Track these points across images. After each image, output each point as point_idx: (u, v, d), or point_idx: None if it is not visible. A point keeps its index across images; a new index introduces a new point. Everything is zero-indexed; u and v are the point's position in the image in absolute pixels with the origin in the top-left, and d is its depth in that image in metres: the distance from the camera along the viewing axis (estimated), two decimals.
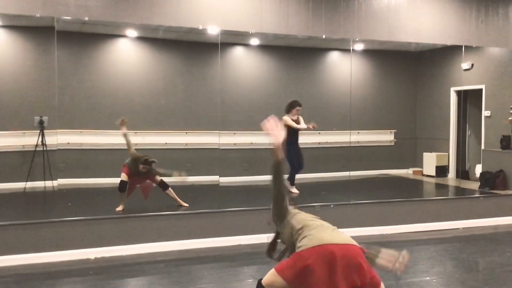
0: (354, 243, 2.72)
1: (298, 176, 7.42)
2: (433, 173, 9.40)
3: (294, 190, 7.27)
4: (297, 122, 7.32)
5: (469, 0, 7.26)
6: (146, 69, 8.46)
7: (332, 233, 2.76)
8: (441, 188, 9.09)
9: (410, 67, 9.99)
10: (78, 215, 5.59)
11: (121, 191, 6.17)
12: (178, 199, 6.35)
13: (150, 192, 6.38)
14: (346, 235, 2.78)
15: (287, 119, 7.21)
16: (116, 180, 7.66)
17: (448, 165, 9.33)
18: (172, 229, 5.66)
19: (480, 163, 8.53)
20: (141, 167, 6.13)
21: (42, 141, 7.00)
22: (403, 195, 7.61)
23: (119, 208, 6.07)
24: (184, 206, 6.31)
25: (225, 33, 6.38)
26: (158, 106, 8.32)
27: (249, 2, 6.22)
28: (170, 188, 6.37)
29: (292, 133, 7.26)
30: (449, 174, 9.33)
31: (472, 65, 8.48)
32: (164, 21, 5.93)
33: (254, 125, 8.56)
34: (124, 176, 6.20)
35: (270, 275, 2.77)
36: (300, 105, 7.32)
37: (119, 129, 6.32)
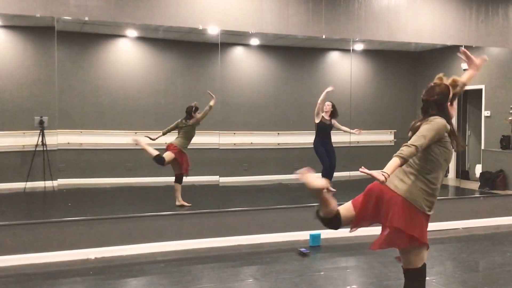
0: (398, 191, 2.88)
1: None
2: None
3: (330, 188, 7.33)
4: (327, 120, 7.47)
5: (469, 0, 7.27)
6: (146, 69, 8.45)
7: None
8: (441, 188, 9.06)
9: (410, 67, 9.98)
10: (78, 215, 5.59)
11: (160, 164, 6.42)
12: (180, 198, 6.37)
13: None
14: (401, 183, 2.91)
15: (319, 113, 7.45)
16: (116, 181, 7.71)
17: (448, 165, 9.32)
18: (172, 229, 5.66)
19: (480, 163, 8.53)
20: (198, 115, 6.66)
21: (42, 141, 7.00)
22: None
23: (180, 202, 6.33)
24: (187, 206, 6.30)
25: (225, 33, 6.38)
26: (158, 106, 8.32)
27: (249, 2, 6.22)
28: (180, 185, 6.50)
29: (319, 132, 7.37)
30: (449, 174, 9.32)
31: None
32: (164, 21, 5.93)
33: (254, 125, 8.63)
34: (169, 156, 6.43)
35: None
36: (329, 102, 7.45)
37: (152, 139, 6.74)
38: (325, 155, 7.38)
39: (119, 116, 8.07)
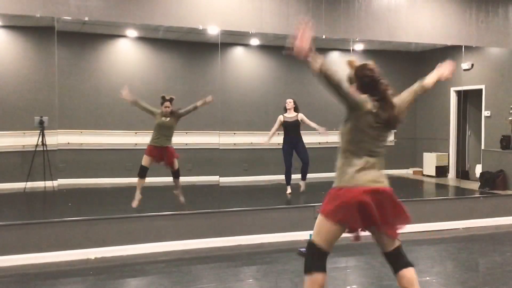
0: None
1: (298, 176, 7.43)
2: (433, 173, 9.40)
3: (289, 190, 7.33)
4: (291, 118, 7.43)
5: (469, 0, 7.27)
6: (146, 69, 8.46)
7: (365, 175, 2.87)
8: (441, 188, 9.09)
9: (410, 67, 9.97)
10: (78, 215, 5.59)
11: (140, 177, 6.21)
12: (179, 192, 6.35)
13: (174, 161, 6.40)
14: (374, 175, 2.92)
15: (279, 118, 7.49)
16: (117, 180, 7.70)
17: (448, 165, 9.33)
18: (172, 229, 5.66)
19: (480, 163, 8.53)
20: (164, 107, 6.27)
21: (42, 141, 7.00)
22: (403, 195, 7.57)
23: (135, 204, 6.09)
24: (180, 201, 6.27)
25: (225, 33, 6.38)
26: (158, 106, 8.31)
27: (249, 2, 6.22)
28: (179, 180, 6.41)
29: (285, 131, 7.38)
30: (449, 174, 9.33)
31: (472, 65, 8.48)
32: (164, 21, 5.93)
33: (254, 125, 8.63)
34: (145, 160, 6.24)
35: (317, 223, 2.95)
36: (290, 99, 7.42)
37: (127, 100, 6.40)
38: (288, 156, 7.36)
39: (119, 116, 8.06)
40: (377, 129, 2.90)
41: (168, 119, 6.33)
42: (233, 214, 5.99)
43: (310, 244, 2.96)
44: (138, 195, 6.17)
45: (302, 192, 7.30)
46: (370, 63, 2.94)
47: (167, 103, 6.32)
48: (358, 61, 3.01)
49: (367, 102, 2.86)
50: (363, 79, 2.90)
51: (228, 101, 8.24)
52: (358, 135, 2.87)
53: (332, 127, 8.95)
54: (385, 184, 2.95)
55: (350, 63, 3.02)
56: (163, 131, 6.33)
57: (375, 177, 2.89)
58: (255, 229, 5.94)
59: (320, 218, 2.94)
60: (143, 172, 6.24)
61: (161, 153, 6.32)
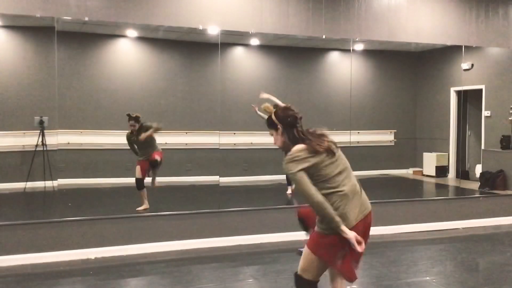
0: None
1: None
2: (433, 173, 9.40)
3: (289, 190, 7.32)
4: None
5: (469, 0, 7.27)
6: (146, 69, 8.46)
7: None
8: (441, 188, 9.09)
9: (410, 67, 9.98)
10: (78, 215, 5.59)
11: (139, 190, 6.21)
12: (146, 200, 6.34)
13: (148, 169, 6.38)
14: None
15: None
16: (116, 181, 7.70)
17: (448, 165, 9.33)
18: (172, 229, 5.66)
19: (480, 163, 8.53)
20: (129, 125, 6.24)
21: (42, 141, 7.00)
22: (403, 195, 7.61)
23: (140, 209, 6.08)
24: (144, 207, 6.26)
25: (225, 33, 6.38)
26: (158, 106, 8.32)
27: (249, 2, 6.22)
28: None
29: None
30: (449, 174, 9.33)
31: (472, 65, 8.48)
32: (164, 21, 5.93)
33: (254, 125, 8.62)
34: (137, 171, 6.23)
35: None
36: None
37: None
38: None
39: (119, 116, 8.05)
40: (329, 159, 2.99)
41: (139, 137, 6.34)
42: (233, 214, 5.99)
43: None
44: (145, 204, 6.19)
45: (290, 198, 7.22)
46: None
47: (131, 122, 6.31)
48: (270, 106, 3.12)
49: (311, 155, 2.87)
50: (288, 118, 2.96)
51: (228, 101, 8.25)
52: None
53: (332, 126, 8.97)
54: None
55: (266, 108, 3.12)
56: (141, 146, 6.34)
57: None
58: (255, 229, 5.94)
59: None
60: (140, 184, 6.26)
61: (147, 164, 6.36)
